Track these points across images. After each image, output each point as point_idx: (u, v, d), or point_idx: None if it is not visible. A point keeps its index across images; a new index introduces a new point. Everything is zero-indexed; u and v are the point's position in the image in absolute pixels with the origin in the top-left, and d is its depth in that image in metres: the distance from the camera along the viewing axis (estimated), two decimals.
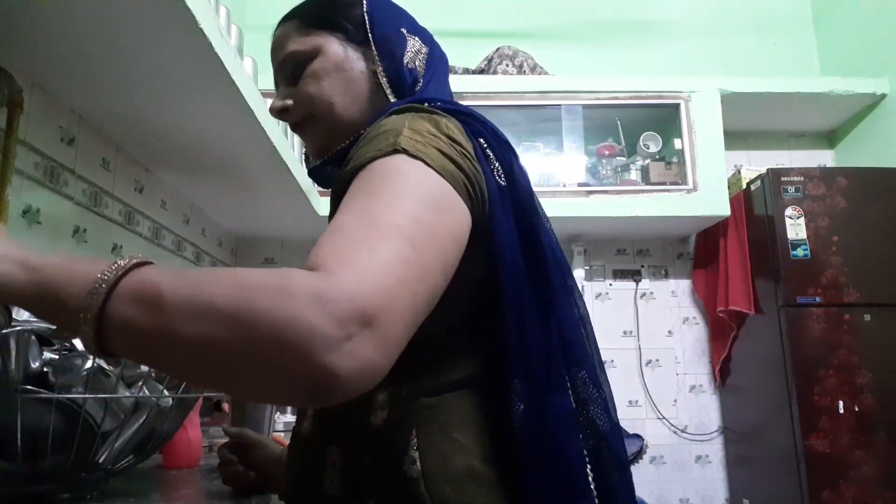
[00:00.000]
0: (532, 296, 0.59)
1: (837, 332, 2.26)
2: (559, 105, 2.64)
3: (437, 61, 0.74)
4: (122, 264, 0.44)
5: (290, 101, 0.72)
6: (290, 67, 0.71)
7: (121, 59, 1.10)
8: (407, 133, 0.54)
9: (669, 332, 2.89)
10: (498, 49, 2.83)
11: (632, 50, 3.11)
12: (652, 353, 2.86)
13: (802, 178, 2.41)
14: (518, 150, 0.66)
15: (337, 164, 0.70)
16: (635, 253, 2.97)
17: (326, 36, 0.70)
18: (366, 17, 0.71)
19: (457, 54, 2.46)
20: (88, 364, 0.75)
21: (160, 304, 0.41)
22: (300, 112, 0.72)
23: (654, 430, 2.78)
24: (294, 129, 0.74)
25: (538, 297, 0.59)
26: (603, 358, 0.68)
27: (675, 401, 2.82)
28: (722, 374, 2.77)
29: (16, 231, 1.14)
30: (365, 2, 0.72)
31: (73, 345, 0.79)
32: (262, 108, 1.39)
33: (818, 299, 2.29)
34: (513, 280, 0.57)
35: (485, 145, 0.60)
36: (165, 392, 0.84)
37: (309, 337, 0.38)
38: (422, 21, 0.77)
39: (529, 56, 2.83)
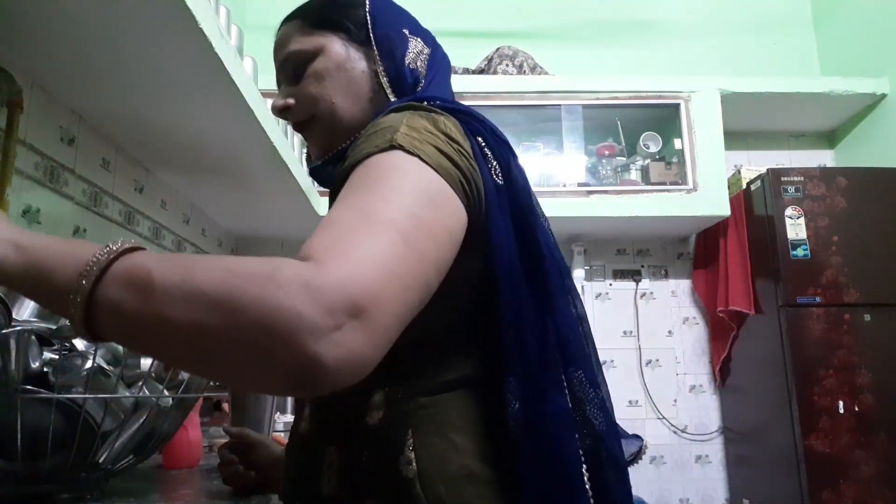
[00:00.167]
0: (529, 295, 0.59)
1: (837, 332, 2.26)
2: (559, 105, 2.64)
3: (438, 62, 0.74)
4: (114, 248, 0.44)
5: (291, 101, 0.72)
6: (292, 66, 0.72)
7: (121, 59, 1.10)
8: (404, 130, 0.54)
9: (669, 332, 2.89)
10: (498, 49, 2.83)
11: (632, 50, 3.11)
12: (652, 353, 2.86)
13: (802, 178, 2.41)
14: (518, 150, 0.66)
15: (338, 164, 0.70)
16: (635, 253, 2.97)
17: (329, 36, 0.71)
18: (368, 18, 0.71)
19: (457, 54, 2.45)
20: (88, 364, 0.75)
21: (150, 289, 0.41)
22: (301, 111, 0.72)
23: (654, 430, 2.78)
24: (296, 128, 0.74)
25: (535, 296, 0.59)
26: (603, 358, 0.68)
27: (675, 401, 2.82)
28: (722, 374, 2.77)
29: None
30: (368, 2, 0.72)
31: (73, 345, 0.79)
32: (262, 108, 1.39)
33: (818, 299, 2.29)
34: (509, 279, 0.57)
35: (483, 144, 0.60)
36: (165, 392, 0.84)
37: (297, 325, 0.38)
38: (422, 21, 0.77)
39: (529, 56, 2.83)
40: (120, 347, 0.84)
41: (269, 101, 1.39)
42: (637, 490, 2.27)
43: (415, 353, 0.59)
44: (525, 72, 2.76)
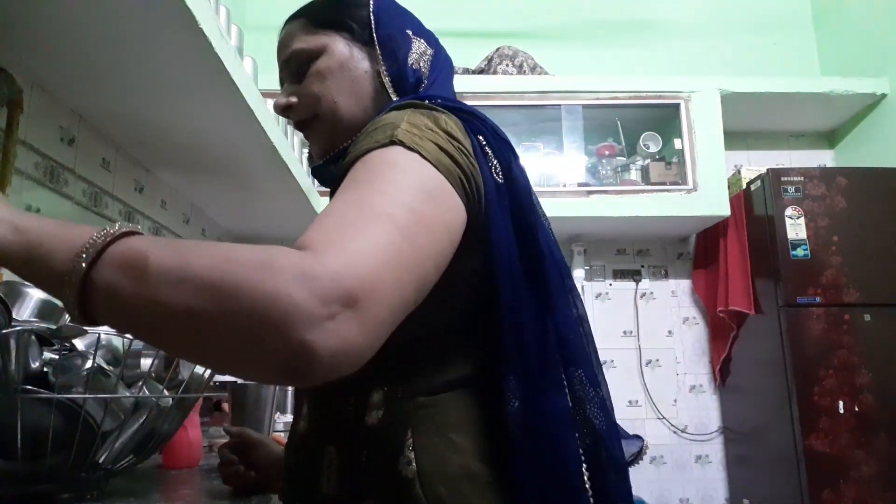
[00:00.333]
0: (529, 294, 0.59)
1: (837, 332, 2.26)
2: (559, 105, 2.65)
3: (441, 64, 0.74)
4: (111, 231, 0.44)
5: (294, 99, 0.72)
6: (296, 65, 0.72)
7: (121, 59, 1.10)
8: (405, 126, 0.55)
9: (669, 332, 2.89)
10: (498, 49, 2.83)
11: (632, 50, 3.11)
12: (652, 353, 2.86)
13: (802, 178, 2.41)
14: (518, 150, 0.66)
15: (339, 163, 0.70)
16: (635, 253, 2.97)
17: (332, 35, 0.71)
18: (372, 18, 0.71)
19: (457, 54, 2.45)
20: (88, 364, 0.75)
21: (145, 272, 0.41)
22: (304, 110, 0.72)
23: (654, 430, 2.78)
24: (297, 127, 0.74)
25: (535, 295, 0.59)
26: (603, 358, 0.68)
27: (675, 401, 2.82)
28: (722, 374, 2.77)
29: None
30: (372, 2, 0.72)
31: (73, 345, 0.79)
32: (262, 108, 1.39)
33: (818, 299, 2.29)
34: (509, 278, 0.57)
35: (483, 143, 0.60)
36: (165, 392, 0.84)
37: (290, 312, 0.38)
38: (422, 21, 0.77)
39: (529, 56, 2.83)
40: (120, 347, 0.84)
41: (270, 101, 1.40)
42: (637, 490, 2.27)
43: (414, 352, 0.59)
44: (525, 72, 2.76)
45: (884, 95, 2.74)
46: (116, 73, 1.15)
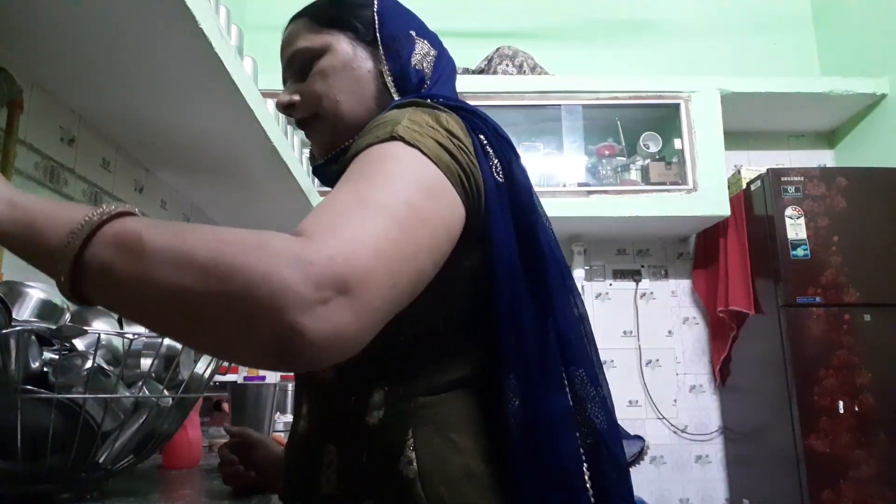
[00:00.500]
0: (529, 294, 0.59)
1: (837, 332, 2.27)
2: (559, 105, 2.65)
3: (444, 65, 0.75)
4: (108, 210, 0.44)
5: (296, 97, 0.72)
6: (299, 64, 0.72)
7: (121, 59, 1.10)
8: (406, 123, 0.55)
9: (669, 332, 2.89)
10: (498, 49, 2.83)
11: (632, 50, 3.11)
12: (652, 353, 2.86)
13: (802, 178, 2.42)
14: (518, 150, 0.66)
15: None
16: (635, 253, 2.97)
17: (336, 34, 0.71)
18: (376, 18, 0.71)
19: (457, 54, 2.44)
20: (88, 364, 0.75)
21: (139, 251, 0.41)
22: (306, 108, 0.72)
23: (654, 430, 2.78)
24: (299, 125, 0.74)
25: (535, 295, 0.59)
26: (603, 358, 0.68)
27: (675, 401, 2.82)
28: (722, 374, 2.77)
29: None
30: (376, 2, 0.72)
31: (73, 345, 0.79)
32: (262, 108, 1.39)
33: (818, 299, 2.29)
34: (509, 277, 0.57)
35: (484, 142, 0.60)
36: (165, 392, 0.84)
37: (282, 295, 0.38)
38: None
39: (529, 56, 2.83)
40: (120, 347, 0.84)
41: (270, 101, 1.40)
42: (637, 490, 2.27)
43: (414, 352, 0.59)
44: (525, 72, 2.77)
45: (884, 95, 2.74)
46: (116, 73, 1.15)
